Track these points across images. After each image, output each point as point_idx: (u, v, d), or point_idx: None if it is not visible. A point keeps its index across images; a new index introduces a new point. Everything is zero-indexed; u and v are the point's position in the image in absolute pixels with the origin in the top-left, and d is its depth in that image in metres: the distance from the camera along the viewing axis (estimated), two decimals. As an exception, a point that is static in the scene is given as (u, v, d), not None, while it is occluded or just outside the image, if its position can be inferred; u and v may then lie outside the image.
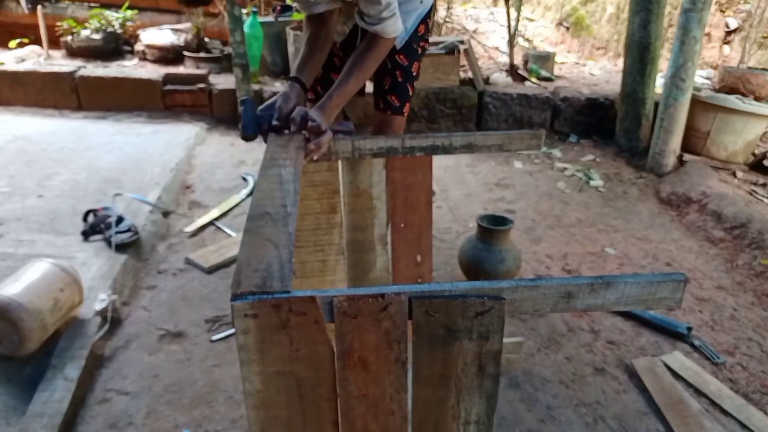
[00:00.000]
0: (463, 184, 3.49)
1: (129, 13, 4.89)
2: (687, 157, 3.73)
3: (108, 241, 2.42)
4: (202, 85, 4.22)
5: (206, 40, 4.88)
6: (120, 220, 2.49)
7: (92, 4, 5.03)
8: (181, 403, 1.79)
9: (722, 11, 5.26)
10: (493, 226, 2.31)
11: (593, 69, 5.13)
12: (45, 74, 4.20)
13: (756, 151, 3.85)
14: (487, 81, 4.47)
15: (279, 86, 4.33)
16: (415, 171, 1.67)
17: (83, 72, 4.25)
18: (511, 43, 4.76)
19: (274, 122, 1.51)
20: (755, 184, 3.49)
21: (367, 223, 1.72)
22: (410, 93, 2.06)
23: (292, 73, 1.70)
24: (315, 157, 1.47)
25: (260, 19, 4.47)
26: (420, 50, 2.03)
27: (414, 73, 2.04)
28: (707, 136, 3.73)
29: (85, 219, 2.52)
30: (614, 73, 4.95)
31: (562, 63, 5.16)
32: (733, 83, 4.30)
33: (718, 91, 4.26)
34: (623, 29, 4.75)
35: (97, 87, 4.22)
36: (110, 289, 2.18)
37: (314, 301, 0.78)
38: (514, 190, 3.42)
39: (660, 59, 3.95)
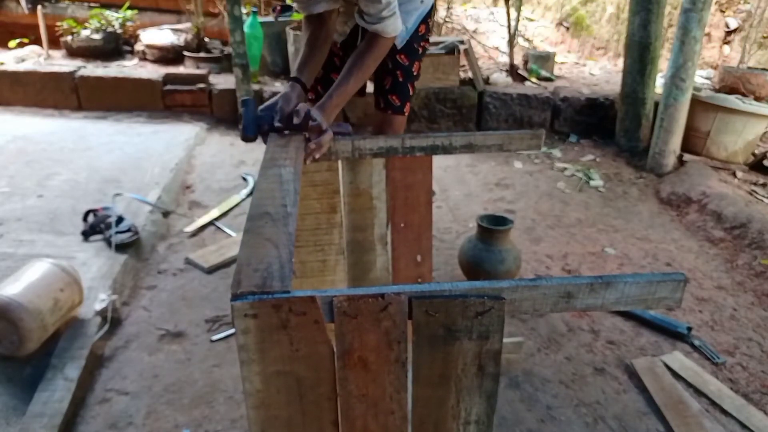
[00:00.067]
0: (463, 184, 3.49)
1: (129, 13, 4.89)
2: (687, 157, 3.73)
3: (108, 241, 2.42)
4: (202, 85, 4.22)
5: (206, 40, 4.88)
6: (120, 220, 2.49)
7: (92, 4, 5.03)
8: (181, 403, 1.79)
9: (722, 11, 5.26)
10: (493, 226, 2.31)
11: (593, 69, 5.13)
12: (45, 74, 4.20)
13: (756, 151, 3.85)
14: (487, 81, 4.47)
15: (279, 86, 4.33)
16: (415, 171, 1.68)
17: (83, 72, 4.25)
18: (511, 43, 4.76)
19: (277, 124, 1.51)
20: (755, 184, 3.49)
21: (367, 223, 1.72)
22: (411, 92, 2.06)
23: (293, 74, 1.70)
24: (316, 156, 1.47)
25: (260, 19, 4.47)
26: (421, 50, 2.03)
27: (415, 73, 2.04)
28: (707, 136, 3.73)
29: (85, 219, 2.52)
30: (614, 73, 4.95)
31: (562, 63, 5.16)
32: (733, 83, 4.30)
33: (718, 91, 4.26)
34: (623, 29, 4.75)
35: (97, 87, 4.22)
36: (110, 289, 2.18)
37: (314, 301, 0.78)
38: (514, 190, 3.42)
39: (660, 59, 3.95)
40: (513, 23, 4.71)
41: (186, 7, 4.90)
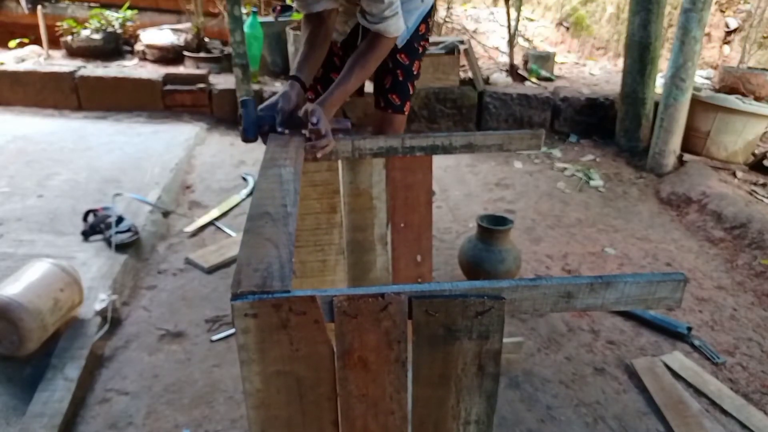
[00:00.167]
0: (463, 184, 3.49)
1: (129, 13, 4.89)
2: (687, 157, 3.73)
3: (108, 241, 2.42)
4: (202, 85, 4.23)
5: (206, 40, 4.88)
6: (120, 220, 2.49)
7: (92, 4, 5.03)
8: (181, 403, 1.79)
9: (722, 11, 5.26)
10: (493, 226, 2.31)
11: (593, 69, 5.13)
12: (45, 74, 4.20)
13: (756, 151, 3.85)
14: (487, 81, 4.47)
15: (279, 86, 4.33)
16: (415, 171, 1.68)
17: (83, 72, 4.25)
18: (511, 43, 4.76)
19: (278, 129, 1.51)
20: (755, 184, 3.49)
21: (367, 223, 1.72)
22: (411, 92, 2.06)
23: (292, 72, 1.70)
24: (318, 155, 1.47)
25: (260, 19, 4.47)
26: (421, 49, 2.04)
27: (415, 72, 2.04)
28: (707, 136, 3.73)
29: (85, 219, 2.52)
30: (614, 73, 4.95)
31: (562, 63, 5.16)
32: (733, 83, 4.30)
33: (718, 91, 4.26)
34: (623, 29, 4.75)
35: (97, 87, 4.22)
36: (110, 289, 2.18)
37: (314, 300, 0.78)
38: (514, 190, 3.42)
39: (660, 59, 3.95)
40: (513, 23, 4.71)
41: (186, 7, 4.90)
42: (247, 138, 1.53)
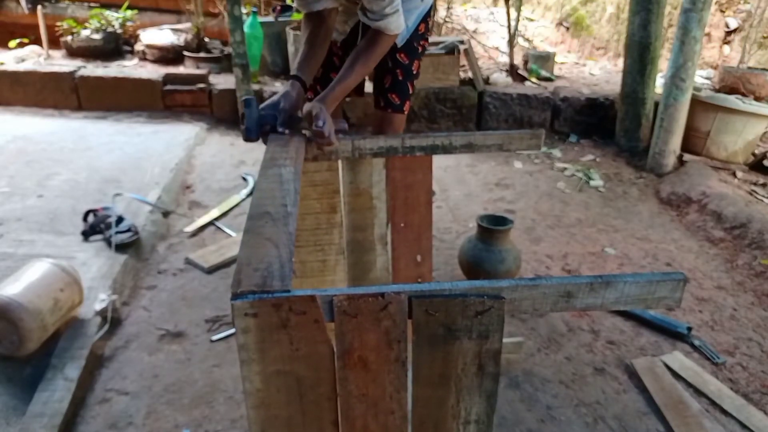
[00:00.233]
0: (463, 184, 3.49)
1: (129, 13, 4.89)
2: (687, 157, 3.73)
3: (108, 241, 2.42)
4: (202, 85, 4.22)
5: (206, 40, 4.88)
6: (120, 220, 2.49)
7: (92, 4, 5.03)
8: (181, 403, 1.79)
9: (722, 11, 5.26)
10: (493, 226, 2.31)
11: (593, 69, 5.13)
12: (45, 74, 4.20)
13: (756, 151, 3.85)
14: (487, 81, 4.47)
15: (279, 86, 4.33)
16: (415, 171, 1.68)
17: (83, 72, 4.25)
18: (511, 43, 4.76)
19: (279, 128, 1.51)
20: (755, 184, 3.49)
21: (367, 223, 1.72)
22: (410, 91, 2.06)
23: (292, 71, 1.70)
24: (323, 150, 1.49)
25: (260, 19, 4.47)
26: (420, 49, 2.04)
27: (414, 72, 2.05)
28: (707, 136, 3.73)
29: (85, 219, 2.52)
30: (614, 73, 4.95)
31: (562, 63, 5.16)
32: (733, 83, 4.30)
33: (718, 91, 4.26)
34: (623, 29, 4.75)
35: (97, 87, 4.22)
36: (110, 289, 2.18)
37: (314, 300, 0.78)
38: (514, 190, 3.42)
39: (660, 59, 3.95)
40: (513, 23, 4.72)
41: (186, 7, 4.90)
42: (249, 137, 1.53)
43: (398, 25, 1.67)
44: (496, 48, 5.38)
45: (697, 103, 3.68)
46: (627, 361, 2.02)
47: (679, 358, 2.02)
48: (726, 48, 5.23)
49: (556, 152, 4.03)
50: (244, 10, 4.31)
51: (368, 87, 2.18)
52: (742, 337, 2.19)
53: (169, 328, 2.11)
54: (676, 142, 3.64)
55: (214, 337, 2.07)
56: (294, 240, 0.93)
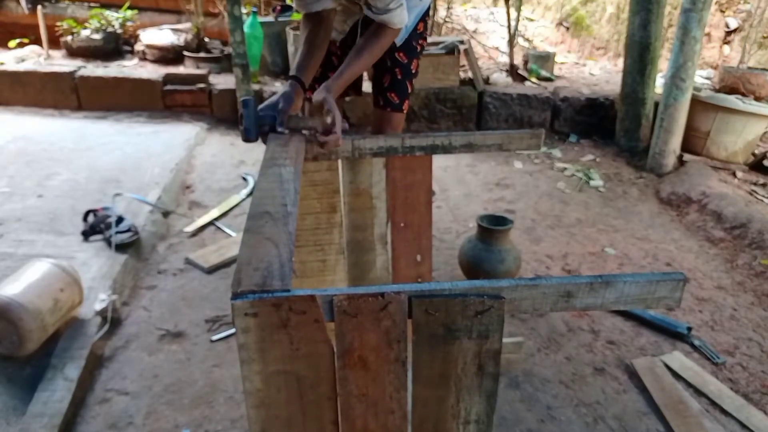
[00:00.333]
0: (463, 184, 3.49)
1: (129, 13, 4.89)
2: (687, 157, 3.73)
3: (108, 241, 2.42)
4: (202, 85, 4.23)
5: (206, 40, 4.88)
6: (120, 220, 2.49)
7: (92, 4, 5.03)
8: (181, 403, 1.79)
9: (722, 11, 5.26)
10: (493, 226, 2.31)
11: (593, 69, 5.13)
12: (45, 74, 4.20)
13: (756, 151, 3.85)
14: (487, 81, 4.47)
15: (279, 86, 4.33)
16: (415, 170, 1.68)
17: (83, 72, 4.25)
18: (511, 43, 4.76)
19: (279, 129, 1.51)
20: (755, 184, 3.49)
21: (367, 223, 1.72)
22: (409, 90, 2.07)
23: (292, 72, 1.71)
24: (324, 150, 1.51)
25: (260, 19, 4.47)
26: (419, 48, 2.04)
27: (413, 71, 2.05)
28: (707, 136, 3.73)
29: (85, 219, 2.52)
30: (614, 73, 4.95)
31: (562, 63, 5.16)
32: (733, 83, 4.30)
33: (718, 91, 4.26)
34: (623, 29, 4.75)
35: (97, 87, 4.22)
36: (110, 289, 2.18)
37: (314, 300, 0.78)
38: (514, 190, 3.42)
39: (660, 59, 3.95)
40: (513, 23, 4.72)
41: (186, 7, 4.90)
42: (248, 138, 1.53)
43: (402, 19, 1.68)
44: (496, 48, 5.38)
45: (697, 103, 3.68)
46: (627, 361, 2.02)
47: (679, 358, 2.02)
48: (726, 48, 5.23)
49: (556, 152, 4.03)
50: (244, 10, 4.31)
51: (367, 87, 2.18)
52: (742, 337, 2.19)
53: (169, 328, 2.11)
54: (676, 142, 3.64)
55: (214, 337, 2.07)
56: (294, 240, 0.93)
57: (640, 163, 3.82)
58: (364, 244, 1.75)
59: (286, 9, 4.61)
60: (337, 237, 1.62)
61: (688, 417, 1.75)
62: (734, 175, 3.58)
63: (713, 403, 1.85)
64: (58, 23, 4.68)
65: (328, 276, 1.65)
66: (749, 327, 2.25)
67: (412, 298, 0.81)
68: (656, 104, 3.78)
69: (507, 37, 4.84)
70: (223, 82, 4.31)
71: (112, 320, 2.08)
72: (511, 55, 4.76)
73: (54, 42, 4.67)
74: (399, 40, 1.94)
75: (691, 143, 3.78)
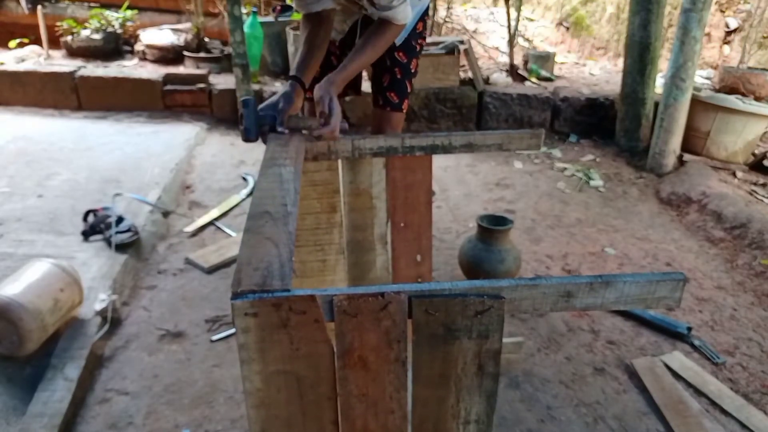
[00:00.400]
0: (463, 184, 3.49)
1: (129, 13, 4.89)
2: (687, 157, 3.73)
3: (108, 241, 2.42)
4: (202, 85, 4.22)
5: (206, 40, 4.88)
6: (120, 220, 2.49)
7: (92, 4, 5.03)
8: (181, 403, 1.79)
9: (722, 11, 5.26)
10: (493, 226, 2.31)
11: (593, 69, 5.13)
12: (45, 74, 4.20)
13: (756, 151, 3.85)
14: (487, 81, 4.47)
15: (279, 86, 4.33)
16: (415, 170, 1.68)
17: (83, 72, 4.25)
18: (511, 43, 4.76)
19: (279, 129, 1.52)
20: (755, 184, 3.49)
21: (367, 223, 1.72)
22: (409, 90, 2.07)
23: (292, 72, 1.71)
24: (319, 138, 1.52)
25: (260, 19, 4.47)
26: (418, 47, 2.05)
27: (413, 70, 2.05)
28: (707, 136, 3.73)
29: (85, 219, 2.52)
30: (614, 73, 4.95)
31: (562, 63, 5.16)
32: (733, 83, 4.30)
33: (718, 91, 4.26)
34: (623, 29, 4.75)
35: (97, 87, 4.22)
36: (110, 289, 2.18)
37: (314, 300, 0.78)
38: (514, 190, 3.42)
39: (660, 59, 3.95)
40: (513, 23, 4.72)
41: (186, 7, 4.90)
42: (248, 138, 1.53)
43: (406, 15, 1.69)
44: (496, 48, 5.38)
45: (697, 103, 3.68)
46: (627, 361, 2.02)
47: (679, 358, 2.02)
48: (726, 48, 5.23)
49: (556, 152, 4.03)
50: (244, 10, 4.31)
51: (366, 86, 2.18)
52: (742, 337, 2.19)
53: (169, 328, 2.11)
54: (676, 142, 3.64)
55: (214, 337, 2.07)
56: (294, 239, 0.93)
57: (640, 163, 3.82)
58: (364, 244, 1.75)
59: (286, 9, 4.61)
60: (337, 237, 1.62)
61: (688, 417, 1.75)
62: (734, 175, 3.58)
63: (713, 403, 1.85)
64: (58, 23, 4.68)
65: (328, 276, 1.65)
66: (749, 327, 2.25)
67: (412, 298, 0.81)
68: (656, 104, 3.78)
69: (507, 37, 4.84)
70: (223, 82, 4.31)
71: (112, 320, 2.08)
72: (511, 55, 4.76)
73: (54, 42, 4.67)
74: (398, 40, 1.94)
75: (691, 143, 3.78)
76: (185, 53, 4.60)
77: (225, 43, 4.86)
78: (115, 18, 4.80)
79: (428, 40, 4.36)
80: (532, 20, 6.04)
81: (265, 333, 0.79)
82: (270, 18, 4.63)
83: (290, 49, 4.37)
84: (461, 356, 0.86)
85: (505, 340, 1.65)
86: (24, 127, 3.82)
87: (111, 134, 3.78)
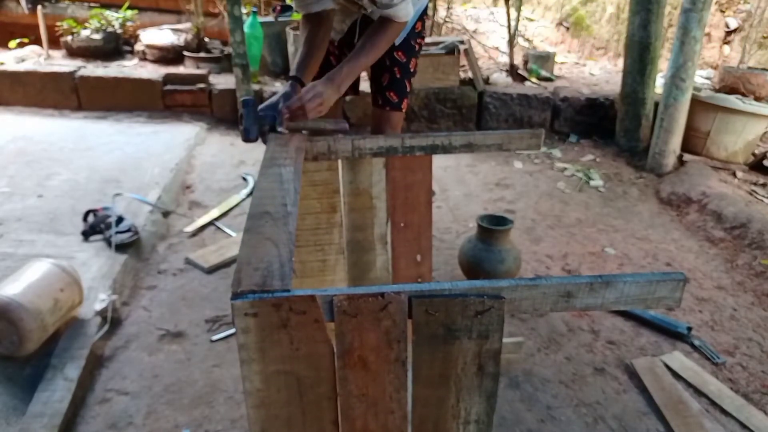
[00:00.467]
0: (463, 184, 3.49)
1: (129, 13, 4.89)
2: (687, 157, 3.73)
3: (108, 241, 2.42)
4: (202, 85, 4.22)
5: (206, 40, 4.88)
6: (120, 220, 2.49)
7: (92, 4, 5.03)
8: (181, 403, 1.79)
9: (722, 11, 5.26)
10: (493, 226, 2.31)
11: (593, 69, 5.13)
12: (45, 74, 4.20)
13: (756, 151, 3.85)
14: (487, 81, 4.47)
15: (279, 86, 4.33)
16: (415, 170, 1.68)
17: (83, 72, 4.25)
18: (511, 43, 4.76)
19: (279, 129, 1.52)
20: (755, 184, 3.49)
21: (367, 223, 1.72)
22: (408, 89, 2.08)
23: (292, 72, 1.71)
24: (310, 116, 1.52)
25: (260, 19, 4.47)
26: (417, 47, 2.05)
27: (412, 70, 2.06)
28: (707, 136, 3.73)
29: (85, 219, 2.52)
30: (614, 73, 4.95)
31: (562, 63, 5.16)
32: (733, 83, 4.30)
33: (718, 91, 4.26)
34: (623, 29, 4.75)
35: (97, 87, 4.22)
36: (110, 289, 2.18)
37: (314, 300, 0.78)
38: (514, 190, 3.42)
39: (660, 59, 3.95)
40: (513, 23, 4.72)
41: (186, 7, 4.90)
42: (248, 138, 1.53)
43: (407, 12, 1.68)
44: (496, 48, 5.38)
45: (697, 103, 3.68)
46: (627, 361, 2.02)
47: (679, 358, 2.02)
48: (726, 48, 5.23)
49: (556, 152, 4.03)
50: (244, 10, 4.31)
51: (365, 86, 2.18)
52: (742, 337, 2.19)
53: (169, 328, 2.11)
54: (676, 142, 3.64)
55: (214, 337, 2.07)
56: (294, 239, 0.93)
57: (640, 163, 3.82)
58: (364, 244, 1.75)
59: (286, 9, 4.61)
60: (337, 237, 1.62)
61: (688, 417, 1.75)
62: (734, 175, 3.58)
63: (713, 403, 1.85)
64: (58, 23, 4.68)
65: (328, 276, 1.65)
66: (749, 327, 2.25)
67: (412, 298, 0.81)
68: (656, 104, 3.78)
69: (507, 37, 4.84)
70: (223, 82, 4.31)
71: (112, 320, 2.08)
72: (511, 55, 4.76)
73: (54, 42, 4.67)
74: (398, 39, 1.94)
75: (691, 143, 3.78)
76: (185, 53, 4.60)
77: (225, 43, 4.86)
78: (115, 18, 4.80)
79: (428, 40, 4.37)
80: (532, 20, 6.04)
81: (265, 333, 0.79)
82: (270, 18, 4.63)
83: (290, 49, 4.37)
84: (461, 356, 0.86)
85: (505, 340, 1.65)
86: (24, 127, 3.82)
87: (111, 134, 3.78)
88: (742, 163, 3.76)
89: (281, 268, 0.83)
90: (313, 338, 0.80)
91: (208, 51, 4.74)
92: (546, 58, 4.69)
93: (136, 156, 3.43)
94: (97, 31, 4.68)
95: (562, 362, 2.02)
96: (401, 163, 1.65)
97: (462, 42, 4.30)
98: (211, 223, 2.87)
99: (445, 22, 5.42)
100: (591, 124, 4.25)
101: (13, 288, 1.83)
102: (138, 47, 4.72)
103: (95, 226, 2.48)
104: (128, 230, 2.47)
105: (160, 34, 4.68)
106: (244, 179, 3.37)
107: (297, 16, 4.46)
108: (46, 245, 2.41)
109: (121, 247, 2.41)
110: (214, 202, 3.08)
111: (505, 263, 2.30)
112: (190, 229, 2.79)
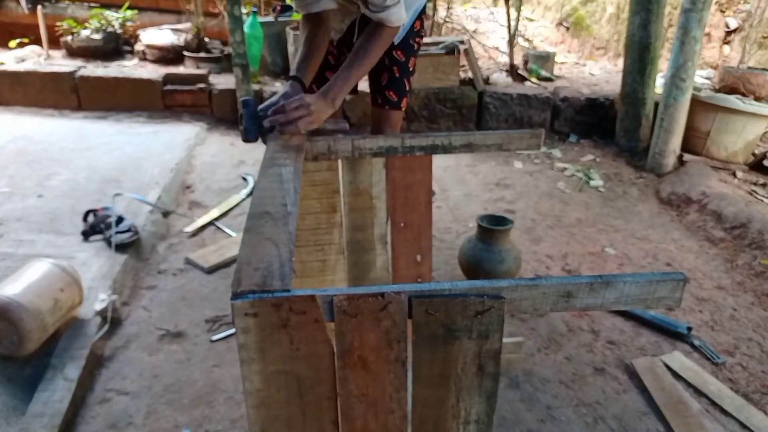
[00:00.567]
0: (463, 184, 3.49)
1: (129, 13, 4.89)
2: (687, 157, 3.73)
3: (108, 241, 2.42)
4: (202, 85, 4.22)
5: (206, 40, 4.88)
6: (120, 220, 2.49)
7: (92, 4, 5.03)
8: (181, 403, 1.79)
9: (722, 11, 5.26)
10: (493, 226, 2.31)
11: (593, 69, 5.13)
12: (45, 74, 4.20)
13: (756, 151, 3.85)
14: (487, 81, 4.47)
15: (279, 86, 4.33)
16: (415, 170, 1.68)
17: (83, 72, 4.25)
18: (511, 43, 4.76)
19: (278, 128, 1.51)
20: (755, 184, 3.49)
21: (367, 223, 1.72)
22: (407, 88, 2.08)
23: (292, 72, 1.71)
24: (302, 130, 1.46)
25: (260, 19, 4.47)
26: (416, 46, 2.05)
27: (411, 69, 2.06)
28: (707, 136, 3.73)
29: (85, 219, 2.52)
30: (614, 73, 4.95)
31: (562, 63, 5.16)
32: (733, 83, 4.30)
33: (718, 91, 4.26)
34: (623, 29, 4.75)
35: (97, 87, 4.22)
36: (110, 289, 2.18)
37: (314, 300, 0.78)
38: (514, 190, 3.42)
39: (660, 59, 3.95)
40: (513, 23, 4.72)
41: (186, 7, 4.90)
42: (248, 138, 1.53)
43: (399, 17, 1.67)
44: (496, 48, 5.38)
45: (697, 103, 3.68)
46: (627, 361, 2.02)
47: (679, 358, 2.02)
48: (726, 48, 5.23)
49: (556, 152, 4.03)
50: (244, 10, 4.31)
51: (362, 86, 2.18)
52: (742, 337, 2.19)
53: (169, 328, 2.11)
54: (676, 142, 3.64)
55: (214, 337, 2.07)
56: (294, 239, 0.93)
57: (640, 163, 3.82)
58: (364, 244, 1.75)
59: (286, 9, 4.61)
60: (337, 237, 1.62)
61: (688, 417, 1.75)
62: (734, 175, 3.58)
63: (713, 403, 1.85)
64: (58, 23, 4.68)
65: (328, 276, 1.64)
66: (749, 327, 2.25)
67: (412, 298, 0.81)
68: (656, 104, 3.78)
69: (507, 37, 4.84)
70: (223, 82, 4.31)
71: (112, 320, 2.08)
72: (511, 55, 4.76)
73: (54, 42, 4.67)
74: (397, 38, 1.94)
75: (691, 143, 3.78)
76: (185, 53, 4.60)
77: (225, 43, 4.86)
78: (115, 18, 4.80)
79: (428, 40, 4.38)
80: (532, 20, 6.04)
81: (265, 333, 0.79)
82: (270, 18, 4.63)
83: (290, 49, 4.37)
84: (461, 356, 0.86)
85: (505, 340, 1.65)
86: (24, 127, 3.82)
87: (111, 134, 3.78)
88: (742, 163, 3.76)
89: (281, 268, 0.83)
90: (313, 338, 0.80)
91: (208, 51, 4.74)
92: (546, 58, 4.69)
93: (136, 156, 3.43)
94: (97, 31, 4.68)
95: (562, 362, 2.02)
96: (401, 163, 1.65)
97: (462, 42, 4.30)
98: (211, 223, 2.87)
99: (445, 22, 5.42)
100: (591, 124, 4.25)
101: (13, 288, 1.83)
102: (138, 47, 4.72)
103: (95, 226, 2.48)
104: (128, 230, 2.47)
105: (160, 34, 4.68)
106: (244, 179, 3.37)
107: (297, 16, 4.46)
108: (46, 245, 2.41)
109: (121, 247, 2.41)
110: (214, 202, 3.08)
111: (505, 263, 2.30)
112: (190, 229, 2.79)
